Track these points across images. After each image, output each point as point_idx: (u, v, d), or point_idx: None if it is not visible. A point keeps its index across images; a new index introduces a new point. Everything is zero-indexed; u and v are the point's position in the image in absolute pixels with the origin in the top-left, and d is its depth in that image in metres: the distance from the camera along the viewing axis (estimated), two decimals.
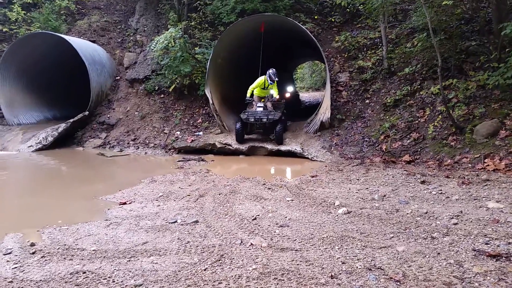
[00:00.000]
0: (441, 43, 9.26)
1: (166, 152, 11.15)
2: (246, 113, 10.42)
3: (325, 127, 10.50)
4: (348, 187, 6.56)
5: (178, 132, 11.91)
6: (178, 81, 12.65)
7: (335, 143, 9.88)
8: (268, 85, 10.78)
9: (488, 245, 3.88)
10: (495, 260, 3.56)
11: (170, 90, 12.98)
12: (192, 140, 11.06)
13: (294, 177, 7.66)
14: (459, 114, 8.41)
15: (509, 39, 8.20)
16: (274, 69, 10.66)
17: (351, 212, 5.17)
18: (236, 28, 11.55)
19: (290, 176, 7.70)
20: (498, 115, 7.95)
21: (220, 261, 3.77)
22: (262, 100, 11.01)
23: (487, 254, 3.67)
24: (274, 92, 10.84)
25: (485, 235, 4.11)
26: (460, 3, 9.11)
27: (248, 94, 10.84)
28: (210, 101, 11.41)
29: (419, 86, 9.93)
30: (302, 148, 9.78)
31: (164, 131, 12.13)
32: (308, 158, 9.46)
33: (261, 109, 10.49)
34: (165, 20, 15.20)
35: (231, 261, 3.76)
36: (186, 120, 12.46)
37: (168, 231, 4.71)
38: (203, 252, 4.01)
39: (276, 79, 10.69)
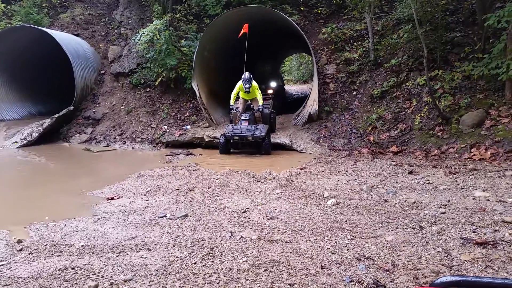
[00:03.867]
0: (427, 34, 9.33)
1: (153, 146, 11.05)
2: (231, 130, 9.36)
3: (313, 119, 10.52)
4: (337, 179, 6.60)
5: (166, 126, 11.81)
6: (164, 75, 12.51)
7: (323, 135, 9.92)
8: (249, 87, 9.89)
9: (475, 233, 3.95)
10: (482, 247, 3.62)
11: (156, 83, 12.83)
12: (180, 134, 10.98)
13: (283, 169, 7.66)
14: (445, 105, 8.51)
15: (493, 30, 8.32)
16: (247, 73, 9.78)
17: (340, 203, 5.20)
18: (222, 20, 11.46)
19: (279, 169, 7.71)
20: (483, 105, 8.07)
21: (210, 254, 3.75)
22: (248, 103, 10.27)
23: (474, 242, 3.73)
24: (259, 99, 9.96)
25: (472, 224, 4.18)
26: None
27: (232, 101, 9.96)
28: (197, 95, 11.33)
29: (405, 78, 10.01)
30: (291, 141, 9.80)
31: (151, 125, 12.01)
32: (297, 150, 9.48)
33: (246, 123, 9.43)
34: (150, 12, 14.97)
35: (221, 254, 3.75)
36: (173, 114, 12.35)
37: (157, 226, 4.67)
38: (193, 246, 3.99)
39: (253, 83, 9.87)
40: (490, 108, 7.93)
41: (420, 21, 8.72)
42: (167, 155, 9.62)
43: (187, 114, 12.23)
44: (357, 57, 11.49)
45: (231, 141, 9.37)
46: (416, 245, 3.73)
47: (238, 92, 10.04)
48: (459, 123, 8.04)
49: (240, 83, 9.91)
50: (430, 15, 9.42)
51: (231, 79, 11.15)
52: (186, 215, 5.01)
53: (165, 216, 5.01)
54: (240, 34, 10.08)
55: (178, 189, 6.31)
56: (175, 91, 12.89)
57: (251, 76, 9.79)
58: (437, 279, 1.04)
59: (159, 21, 12.07)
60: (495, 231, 3.96)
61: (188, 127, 11.45)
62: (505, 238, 3.79)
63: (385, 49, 11.05)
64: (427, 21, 9.46)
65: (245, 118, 9.57)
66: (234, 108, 10.02)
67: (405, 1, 9.33)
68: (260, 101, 9.94)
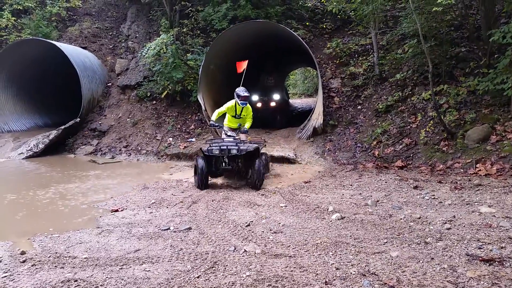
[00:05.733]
0: (432, 49, 9.36)
1: (158, 158, 11.08)
2: (209, 144, 7.49)
3: (318, 133, 10.53)
4: (342, 193, 6.57)
5: (171, 139, 11.86)
6: (170, 88, 12.63)
7: (328, 148, 9.90)
8: (241, 111, 7.91)
9: (481, 250, 3.90)
10: (488, 264, 3.57)
11: (162, 96, 12.95)
12: (185, 147, 11.02)
13: (288, 183, 7.64)
14: (450, 120, 8.48)
15: (498, 46, 8.34)
16: (242, 88, 7.84)
17: (344, 217, 5.17)
18: (228, 35, 11.59)
19: (284, 182, 7.68)
20: (488, 120, 8.04)
21: (214, 268, 3.73)
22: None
23: (480, 258, 3.68)
24: (247, 123, 8.04)
25: (478, 240, 4.13)
26: (449, 10, 9.24)
27: (213, 118, 7.81)
28: (203, 108, 11.40)
29: (410, 92, 10.01)
30: (295, 154, 9.79)
31: (157, 138, 12.07)
32: (301, 163, 9.46)
33: (231, 138, 7.66)
34: (157, 26, 15.19)
35: (225, 268, 3.73)
36: (179, 126, 12.42)
37: (160, 239, 4.66)
38: (196, 259, 3.98)
39: (247, 95, 7.83)
40: (496, 123, 7.89)
41: (425, 36, 8.77)
42: (172, 167, 9.63)
43: (192, 126, 12.29)
44: (362, 72, 11.54)
45: (213, 160, 7.38)
46: (421, 261, 3.68)
47: (224, 114, 8.08)
48: (464, 138, 8.00)
49: (231, 103, 7.88)
50: (435, 30, 9.46)
51: None
52: (189, 228, 5.00)
53: (168, 229, 5.00)
54: (239, 70, 8.40)
55: (182, 202, 6.31)
56: (180, 104, 12.98)
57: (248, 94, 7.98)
58: None
59: (166, 35, 12.24)
60: (502, 247, 3.90)
61: (193, 139, 11.49)
62: None
63: (390, 63, 11.10)
64: (432, 36, 9.50)
65: (232, 134, 8.02)
66: (216, 125, 7.91)
67: (410, 16, 9.40)
68: (249, 125, 8.08)
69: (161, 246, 4.42)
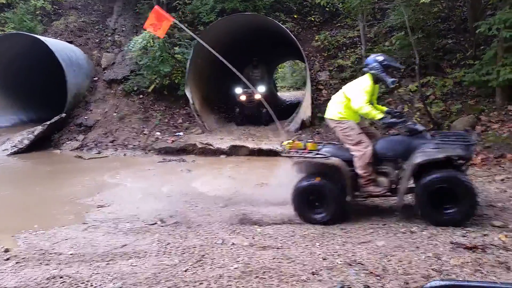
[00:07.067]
0: (419, 41, 9.41)
1: (145, 153, 10.97)
2: None
3: (306, 125, 10.55)
4: None
5: (158, 133, 11.77)
6: (157, 82, 12.50)
7: (317, 141, 9.92)
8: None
9: (465, 238, 3.96)
10: (471, 252, 3.63)
11: (150, 90, 12.81)
12: (173, 141, 10.95)
13: (276, 176, 7.64)
14: (437, 111, 8.57)
15: (484, 37, 8.42)
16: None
17: None
18: (216, 28, 11.50)
19: (274, 175, 7.69)
20: (474, 111, 8.14)
21: (201, 262, 3.73)
22: None
23: (464, 246, 3.74)
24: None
25: (462, 228, 4.19)
26: (436, 2, 9.29)
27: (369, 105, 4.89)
28: (191, 101, 11.32)
29: (397, 84, 10.06)
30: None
31: (144, 132, 11.96)
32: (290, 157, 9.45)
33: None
34: (144, 20, 14.92)
35: (212, 261, 3.72)
36: (166, 120, 12.32)
37: (147, 233, 4.64)
38: (184, 253, 3.96)
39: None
40: (481, 114, 8.01)
41: (412, 28, 8.81)
42: (159, 162, 9.57)
43: (180, 120, 12.21)
44: (350, 64, 11.55)
45: None
46: (406, 250, 3.73)
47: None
48: (450, 129, 8.10)
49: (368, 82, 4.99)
50: (422, 22, 9.51)
51: (225, 86, 11.16)
52: (177, 222, 4.98)
53: (155, 223, 4.97)
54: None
55: (170, 196, 6.28)
56: (168, 98, 12.86)
57: None
58: (426, 283, 1.04)
59: None
60: (485, 235, 3.97)
61: (181, 133, 11.43)
62: (494, 242, 3.81)
63: None
64: (419, 28, 9.55)
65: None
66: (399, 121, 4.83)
67: (398, 8, 9.43)
68: None
69: (148, 240, 4.40)
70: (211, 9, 13.13)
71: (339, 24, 13.15)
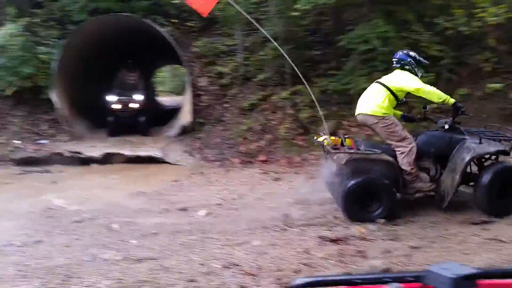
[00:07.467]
0: (290, 52, 10.14)
1: (2, 165, 9.53)
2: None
3: (187, 131, 10.48)
4: (210, 189, 6.67)
5: (19, 142, 10.36)
6: (17, 84, 11.03)
7: (197, 146, 9.93)
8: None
9: (331, 232, 4.37)
10: (336, 244, 4.02)
11: (8, 93, 11.22)
12: (35, 150, 9.75)
13: (155, 183, 7.39)
14: (305, 117, 9.37)
15: (345, 50, 9.50)
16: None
17: (211, 213, 5.24)
18: (87, 28, 10.72)
19: (151, 182, 7.42)
20: (337, 116, 9.13)
21: (67, 282, 3.37)
22: None
23: (329, 239, 4.13)
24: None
25: (328, 223, 4.61)
26: (305, 15, 10.15)
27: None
28: (57, 106, 10.28)
29: (271, 92, 10.69)
30: (164, 153, 9.55)
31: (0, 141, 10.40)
32: (169, 163, 9.26)
33: None
34: (3, 15, 13.07)
35: (81, 280, 3.41)
36: (28, 127, 10.90)
37: (0, 256, 4.02)
38: (47, 275, 3.54)
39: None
40: (342, 118, 9.01)
41: (285, 39, 9.45)
42: (18, 174, 8.43)
43: (45, 127, 10.94)
44: (228, 71, 11.83)
45: None
46: (277, 247, 3.95)
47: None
48: (317, 133, 8.93)
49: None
50: (293, 34, 10.28)
51: (96, 89, 10.43)
52: (40, 241, 4.43)
53: (11, 244, 4.34)
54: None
55: (31, 212, 5.56)
56: (30, 102, 11.40)
57: None
58: (291, 282, 1.10)
59: (14, 24, 10.69)
60: (346, 227, 4.44)
61: (46, 141, 10.25)
62: (355, 234, 4.28)
63: (254, 64, 11.63)
64: (291, 39, 10.29)
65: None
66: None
67: (272, 19, 10.03)
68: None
69: (2, 264, 3.82)
70: (82, 8, 12.12)
71: (218, 32, 13.38)
